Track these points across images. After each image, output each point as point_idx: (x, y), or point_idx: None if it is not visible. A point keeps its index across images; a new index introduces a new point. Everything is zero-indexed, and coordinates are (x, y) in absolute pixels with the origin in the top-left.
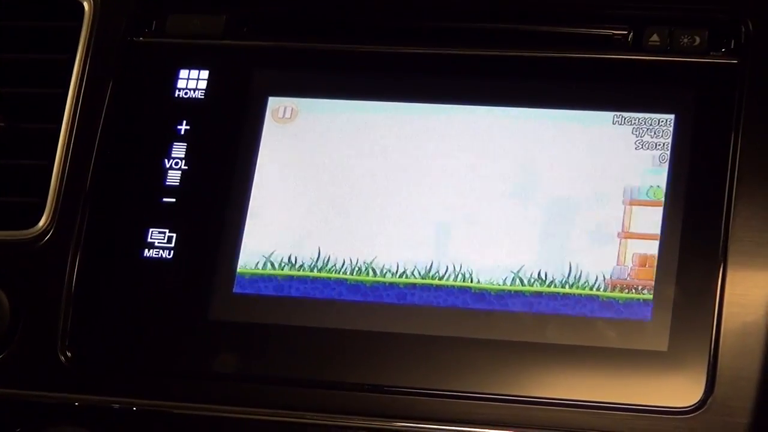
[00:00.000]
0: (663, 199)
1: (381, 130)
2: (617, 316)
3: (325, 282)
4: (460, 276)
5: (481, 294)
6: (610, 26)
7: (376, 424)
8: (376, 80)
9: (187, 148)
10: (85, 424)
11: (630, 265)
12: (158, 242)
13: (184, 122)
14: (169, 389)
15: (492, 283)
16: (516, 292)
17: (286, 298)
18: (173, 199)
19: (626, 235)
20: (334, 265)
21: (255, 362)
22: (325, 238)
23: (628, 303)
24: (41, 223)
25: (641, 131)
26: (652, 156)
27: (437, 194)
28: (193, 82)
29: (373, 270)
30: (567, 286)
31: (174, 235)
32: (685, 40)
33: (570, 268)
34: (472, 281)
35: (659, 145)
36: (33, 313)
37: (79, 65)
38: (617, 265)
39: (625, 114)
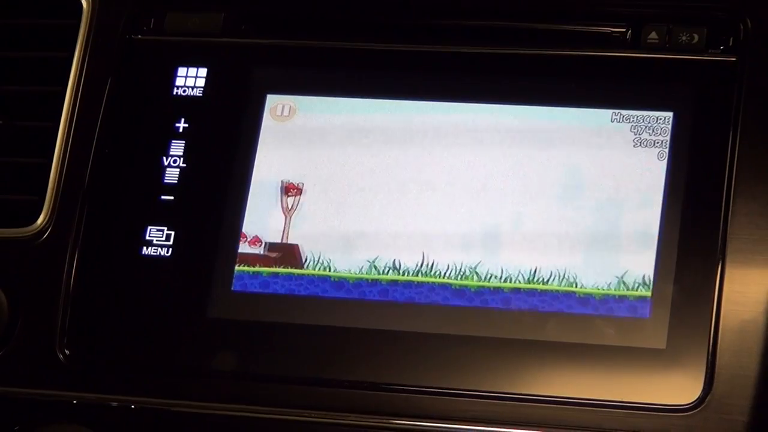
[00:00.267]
0: (661, 196)
1: (378, 128)
2: (616, 313)
3: (325, 279)
4: (453, 274)
5: (480, 292)
6: (608, 24)
7: (375, 421)
8: (374, 78)
9: (185, 146)
10: (83, 421)
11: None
12: (157, 240)
13: (183, 120)
14: (167, 387)
15: (489, 281)
16: (512, 289)
17: (285, 296)
18: (172, 197)
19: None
20: (335, 263)
21: (253, 360)
22: (325, 236)
23: (627, 301)
24: (39, 220)
25: (640, 129)
26: (650, 154)
27: (436, 192)
28: (191, 79)
29: (375, 268)
30: (566, 285)
31: (172, 232)
32: (684, 38)
33: (566, 267)
34: (468, 278)
35: (658, 142)
36: (31, 311)
37: (78, 63)
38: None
39: (624, 112)
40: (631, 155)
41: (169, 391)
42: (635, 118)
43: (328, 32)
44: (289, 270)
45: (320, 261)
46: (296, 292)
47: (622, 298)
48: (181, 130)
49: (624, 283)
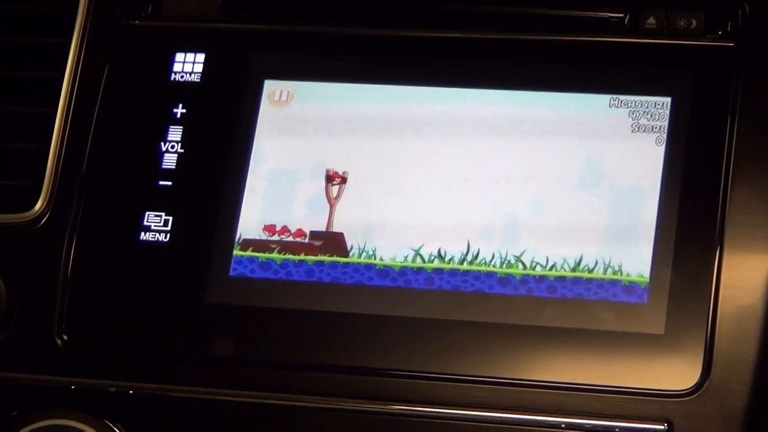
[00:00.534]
0: (659, 182)
1: (377, 114)
2: (614, 299)
3: (321, 265)
4: (439, 258)
5: (477, 275)
6: (606, 9)
7: (373, 406)
8: (372, 63)
9: (183, 132)
10: (81, 407)
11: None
12: (155, 225)
13: (180, 105)
14: (165, 372)
15: (486, 265)
16: (508, 275)
17: (282, 281)
18: (169, 183)
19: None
20: (380, 252)
21: (251, 345)
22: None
23: (625, 286)
24: (37, 206)
25: (638, 114)
26: (648, 139)
27: (436, 177)
28: (189, 65)
29: (374, 253)
30: (565, 270)
31: (170, 218)
32: (682, 23)
33: (564, 252)
34: (452, 262)
35: (656, 128)
36: (29, 297)
37: (76, 49)
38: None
39: (622, 97)
40: (629, 141)
41: (167, 377)
42: (633, 104)
43: (326, 17)
44: (289, 256)
45: (365, 249)
46: (294, 278)
47: (620, 284)
48: (178, 115)
49: (622, 268)
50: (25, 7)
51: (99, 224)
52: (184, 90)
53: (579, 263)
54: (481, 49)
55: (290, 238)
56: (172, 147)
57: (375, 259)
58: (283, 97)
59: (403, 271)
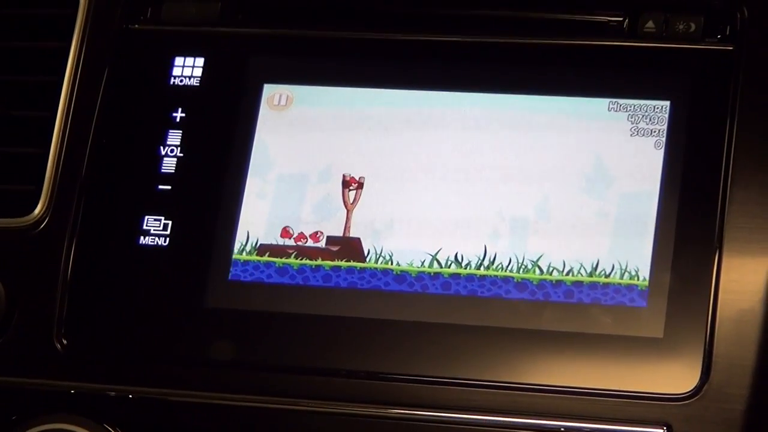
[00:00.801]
0: (658, 185)
1: (376, 118)
2: (613, 302)
3: (321, 269)
4: (430, 262)
5: (470, 277)
6: (605, 13)
7: (372, 410)
8: (371, 67)
9: (182, 136)
10: (80, 411)
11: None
12: (154, 229)
13: (180, 109)
14: (165, 377)
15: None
16: (506, 278)
17: (282, 285)
18: (169, 187)
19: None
20: (396, 257)
21: (251, 349)
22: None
23: (623, 290)
24: (37, 210)
25: (637, 118)
26: (647, 143)
27: (445, 181)
28: (188, 69)
29: (391, 258)
30: (559, 274)
31: (170, 222)
32: (681, 27)
33: (563, 256)
34: (469, 267)
35: (655, 131)
36: (29, 301)
37: (75, 53)
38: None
39: (621, 101)
40: (628, 144)
41: (166, 381)
42: (632, 107)
43: (325, 21)
44: (288, 261)
45: (382, 254)
46: (294, 282)
47: (619, 287)
48: (178, 119)
49: (621, 272)
50: (25, 11)
51: (98, 228)
52: (184, 94)
53: (573, 267)
54: (479, 53)
55: (309, 243)
56: (172, 151)
57: (392, 264)
58: (282, 101)
59: (420, 275)
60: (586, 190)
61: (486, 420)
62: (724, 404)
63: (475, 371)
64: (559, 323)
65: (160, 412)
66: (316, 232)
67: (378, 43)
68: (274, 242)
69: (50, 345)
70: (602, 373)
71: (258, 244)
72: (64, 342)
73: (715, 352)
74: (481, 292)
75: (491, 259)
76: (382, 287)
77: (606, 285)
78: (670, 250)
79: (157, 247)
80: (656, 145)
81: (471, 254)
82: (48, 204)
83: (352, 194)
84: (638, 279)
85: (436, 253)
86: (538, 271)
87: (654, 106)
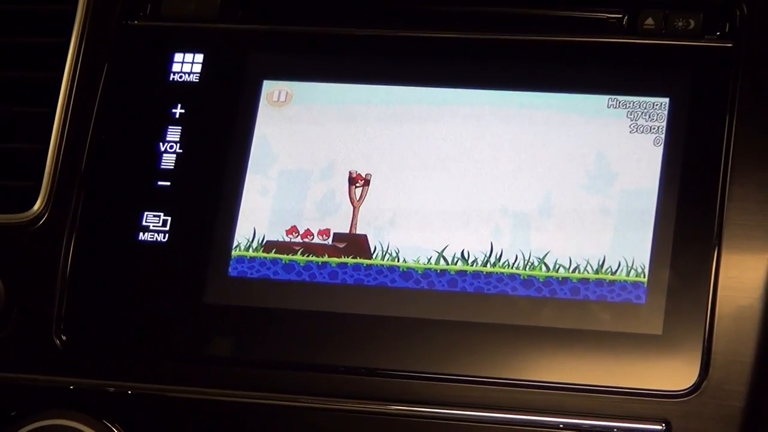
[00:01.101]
0: (657, 182)
1: (376, 115)
2: (612, 299)
3: (327, 266)
4: (423, 259)
5: (476, 274)
6: (605, 10)
7: (371, 407)
8: (371, 64)
9: (181, 132)
10: (80, 407)
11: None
12: (153, 226)
13: (179, 106)
14: (164, 373)
15: (475, 265)
16: (511, 274)
17: (281, 281)
18: (168, 183)
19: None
20: (403, 253)
21: (250, 346)
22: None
23: (623, 286)
24: (36, 206)
25: (636, 115)
26: (646, 140)
27: (448, 178)
28: (187, 65)
29: (397, 255)
30: (565, 271)
31: (169, 218)
32: (680, 24)
33: (564, 253)
34: (476, 264)
35: (654, 128)
36: (28, 297)
37: (74, 49)
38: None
39: (620, 98)
40: (627, 141)
41: (166, 377)
42: (632, 104)
43: (325, 18)
44: (290, 256)
45: (389, 251)
46: (293, 278)
47: (617, 284)
48: (177, 115)
49: (620, 268)
50: (24, 6)
51: (98, 224)
52: (183, 90)
53: (571, 264)
54: (478, 50)
55: (315, 240)
56: (171, 147)
57: (398, 261)
58: (282, 98)
59: (427, 272)
60: (588, 186)
61: (486, 417)
62: (723, 401)
63: (476, 368)
64: (559, 320)
65: (159, 408)
66: (324, 230)
67: (377, 39)
68: (281, 239)
69: (49, 341)
70: (601, 369)
71: (264, 241)
72: (64, 338)
73: (714, 348)
74: (488, 289)
75: (498, 256)
76: (389, 284)
77: (612, 282)
78: (669, 247)
79: (156, 244)
80: (655, 142)
81: (477, 251)
82: (47, 200)
83: (358, 191)
84: (642, 276)
85: (443, 250)
86: (544, 268)
87: (653, 103)
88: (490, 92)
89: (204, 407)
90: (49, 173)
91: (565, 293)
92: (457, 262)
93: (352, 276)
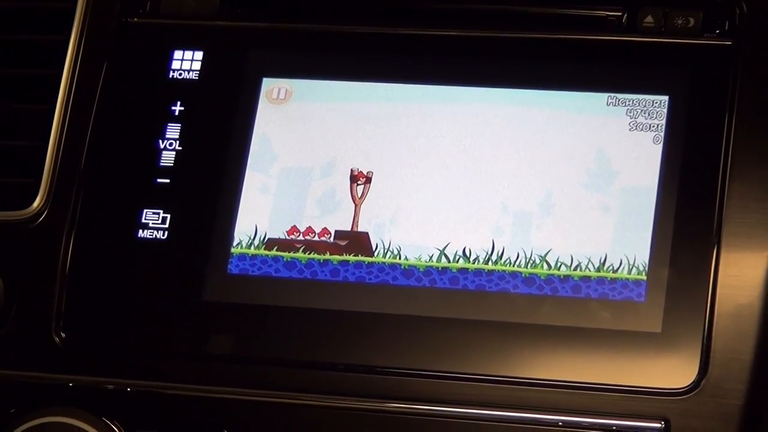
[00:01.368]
0: (657, 180)
1: (376, 112)
2: (611, 297)
3: (329, 264)
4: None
5: (478, 272)
6: (604, 8)
7: (370, 404)
8: (370, 62)
9: (181, 129)
10: (79, 405)
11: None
12: (152, 223)
13: (179, 103)
14: (163, 370)
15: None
16: (512, 272)
17: (280, 278)
18: (168, 180)
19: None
20: (405, 251)
21: (249, 343)
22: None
23: (622, 284)
24: (35, 203)
25: (635, 113)
26: (646, 137)
27: (448, 176)
28: (187, 63)
29: (399, 253)
30: (567, 269)
31: (168, 215)
32: (680, 22)
33: (565, 251)
34: (477, 262)
35: (653, 126)
36: (27, 294)
37: (74, 46)
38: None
39: (620, 95)
40: (627, 139)
41: (165, 374)
42: (631, 102)
43: (324, 15)
44: (291, 254)
45: (390, 249)
46: (292, 276)
47: (619, 282)
48: (177, 113)
49: (620, 266)
50: (25, 3)
51: (97, 221)
52: (183, 87)
53: (573, 261)
54: (478, 48)
55: (317, 238)
56: (170, 144)
57: (400, 258)
58: (281, 95)
59: (428, 270)
60: (588, 184)
61: (485, 414)
62: (722, 399)
63: (476, 365)
64: (560, 318)
65: (158, 405)
66: (325, 227)
67: (377, 36)
68: (282, 236)
69: (49, 338)
70: (601, 367)
71: (266, 239)
72: (63, 335)
73: (713, 346)
74: (489, 287)
75: (499, 254)
76: (390, 282)
77: (613, 280)
78: (668, 245)
79: (155, 241)
80: (655, 140)
81: (479, 249)
82: (47, 197)
83: (360, 189)
84: (643, 274)
85: (444, 248)
86: (546, 266)
87: (653, 101)
88: (490, 90)
89: (204, 405)
90: (49, 170)
91: (566, 291)
92: (458, 259)
93: (353, 274)
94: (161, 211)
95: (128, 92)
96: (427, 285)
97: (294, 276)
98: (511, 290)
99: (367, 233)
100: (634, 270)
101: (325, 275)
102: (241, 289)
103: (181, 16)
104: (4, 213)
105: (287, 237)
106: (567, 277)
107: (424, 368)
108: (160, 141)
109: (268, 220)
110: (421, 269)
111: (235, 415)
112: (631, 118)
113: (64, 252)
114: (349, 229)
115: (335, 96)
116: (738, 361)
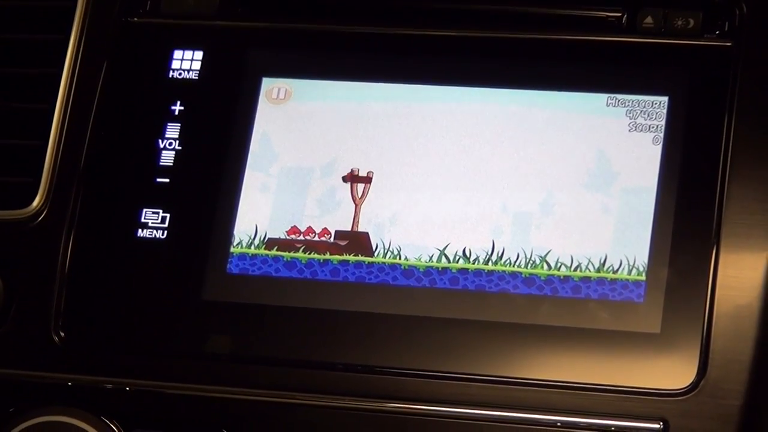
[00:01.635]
0: (656, 181)
1: (376, 112)
2: (610, 297)
3: (329, 263)
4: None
5: (478, 272)
6: (604, 8)
7: (368, 404)
8: (370, 62)
9: (181, 129)
10: (78, 404)
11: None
12: (152, 222)
13: (178, 103)
14: (162, 369)
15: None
16: (512, 273)
17: (280, 278)
18: (167, 179)
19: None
20: (405, 252)
21: (248, 342)
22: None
23: (621, 285)
24: (35, 203)
25: (635, 113)
26: (645, 138)
27: (448, 176)
28: (187, 62)
29: (399, 253)
30: (567, 270)
31: (168, 215)
32: (680, 23)
33: (564, 252)
34: (477, 262)
35: (653, 127)
36: (26, 293)
37: (74, 45)
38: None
39: (619, 96)
40: (626, 140)
41: (164, 374)
42: (631, 103)
43: (324, 15)
44: (290, 254)
45: (390, 249)
46: (291, 275)
47: (616, 282)
48: (176, 112)
49: (619, 267)
50: (25, 2)
51: (96, 221)
52: (182, 87)
53: (572, 262)
54: (477, 48)
55: (317, 238)
56: (170, 144)
57: (400, 258)
58: (281, 95)
59: (428, 270)
60: (588, 185)
61: (484, 414)
62: (721, 400)
63: (475, 366)
64: (560, 319)
65: (157, 404)
66: (325, 227)
67: (377, 37)
68: (283, 236)
69: (48, 337)
70: (600, 368)
71: (266, 238)
72: (62, 334)
73: (712, 347)
74: (489, 288)
75: (499, 254)
76: (390, 282)
77: (613, 281)
78: (667, 246)
79: (155, 240)
80: (654, 141)
81: (479, 249)
82: (46, 196)
83: (360, 189)
84: (643, 275)
85: (444, 248)
86: (546, 266)
87: (652, 102)
88: (490, 90)
89: (203, 404)
90: (49, 170)
91: (566, 292)
92: (458, 260)
93: (353, 273)
94: (161, 211)
95: (128, 92)
96: (427, 285)
97: (294, 276)
98: (511, 290)
99: (367, 233)
100: (634, 271)
101: (325, 275)
102: (240, 288)
103: (181, 15)
104: (4, 212)
105: (287, 237)
106: (567, 278)
107: (423, 368)
108: (160, 140)
109: (268, 219)
110: (421, 269)
111: (234, 415)
112: (630, 119)
113: (63, 251)
114: (349, 229)
115: (335, 96)
116: (737, 362)
